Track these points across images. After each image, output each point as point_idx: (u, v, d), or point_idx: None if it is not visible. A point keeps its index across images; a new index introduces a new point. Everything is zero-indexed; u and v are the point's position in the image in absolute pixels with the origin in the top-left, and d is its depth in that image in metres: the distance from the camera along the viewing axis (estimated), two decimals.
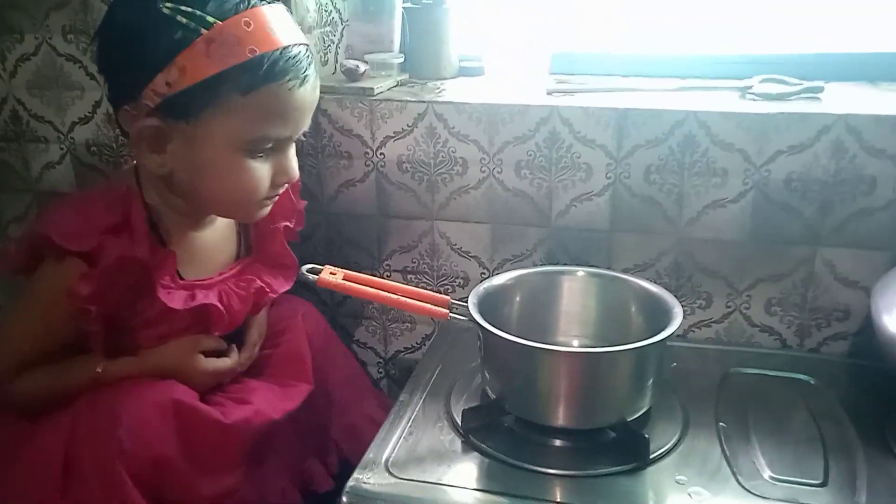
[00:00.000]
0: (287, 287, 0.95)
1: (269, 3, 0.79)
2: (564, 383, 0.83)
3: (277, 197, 0.88)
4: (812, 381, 0.96)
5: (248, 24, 0.75)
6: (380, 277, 0.93)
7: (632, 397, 0.84)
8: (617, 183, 1.03)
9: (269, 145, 0.81)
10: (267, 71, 0.76)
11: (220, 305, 0.87)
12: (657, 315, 0.87)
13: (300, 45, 0.80)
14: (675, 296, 0.90)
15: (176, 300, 0.83)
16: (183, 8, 0.75)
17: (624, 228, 1.05)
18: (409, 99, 1.07)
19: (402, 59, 1.18)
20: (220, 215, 0.91)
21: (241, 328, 0.94)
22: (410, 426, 0.88)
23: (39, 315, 0.84)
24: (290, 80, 0.78)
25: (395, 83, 1.15)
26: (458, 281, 1.14)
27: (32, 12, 1.13)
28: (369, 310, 1.19)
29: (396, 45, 1.20)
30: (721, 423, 0.87)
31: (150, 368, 0.85)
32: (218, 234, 0.93)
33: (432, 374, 0.98)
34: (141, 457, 0.78)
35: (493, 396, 0.88)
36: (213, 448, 0.84)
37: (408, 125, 1.07)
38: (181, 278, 0.86)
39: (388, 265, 1.16)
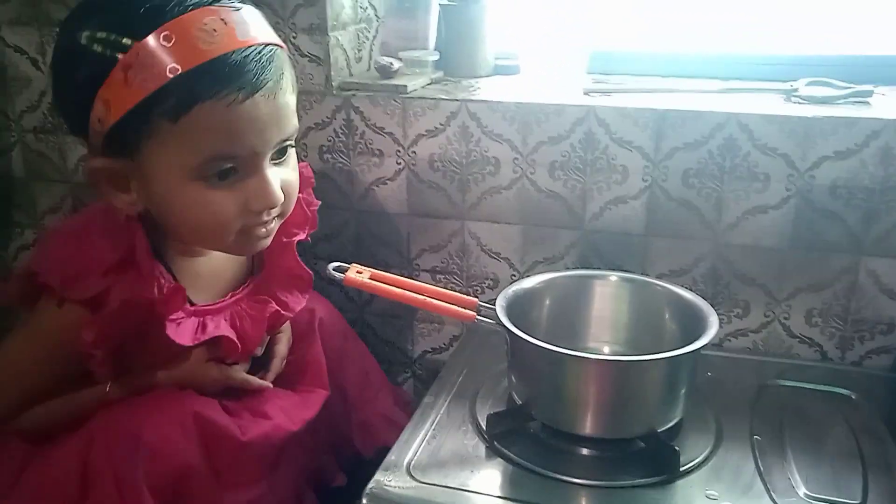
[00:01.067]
0: (302, 304, 0.91)
1: (209, 3, 0.68)
2: (593, 391, 0.81)
3: (269, 226, 0.78)
4: (853, 396, 0.93)
5: (168, 39, 0.65)
6: (409, 277, 0.92)
7: (663, 407, 0.82)
8: (654, 186, 1.01)
9: (229, 168, 0.72)
10: (195, 90, 0.66)
11: (233, 335, 0.82)
12: (692, 323, 0.85)
13: (249, 47, 0.68)
14: (712, 304, 0.87)
15: (185, 335, 0.78)
16: (98, 35, 0.67)
17: (660, 233, 1.03)
18: (442, 97, 1.06)
19: (436, 57, 1.17)
20: (213, 250, 0.83)
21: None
22: (434, 429, 0.86)
23: (41, 358, 0.80)
24: (227, 95, 0.67)
25: (429, 81, 1.14)
26: (487, 282, 1.13)
27: (72, 5, 1.13)
28: (397, 309, 1.18)
29: (431, 43, 1.19)
30: (756, 437, 0.84)
31: (160, 381, 0.82)
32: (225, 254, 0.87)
33: (458, 377, 0.97)
34: (163, 472, 0.75)
35: (519, 402, 0.86)
36: (233, 462, 0.82)
37: (440, 123, 1.06)
38: (191, 304, 0.81)
39: (417, 265, 1.15)
